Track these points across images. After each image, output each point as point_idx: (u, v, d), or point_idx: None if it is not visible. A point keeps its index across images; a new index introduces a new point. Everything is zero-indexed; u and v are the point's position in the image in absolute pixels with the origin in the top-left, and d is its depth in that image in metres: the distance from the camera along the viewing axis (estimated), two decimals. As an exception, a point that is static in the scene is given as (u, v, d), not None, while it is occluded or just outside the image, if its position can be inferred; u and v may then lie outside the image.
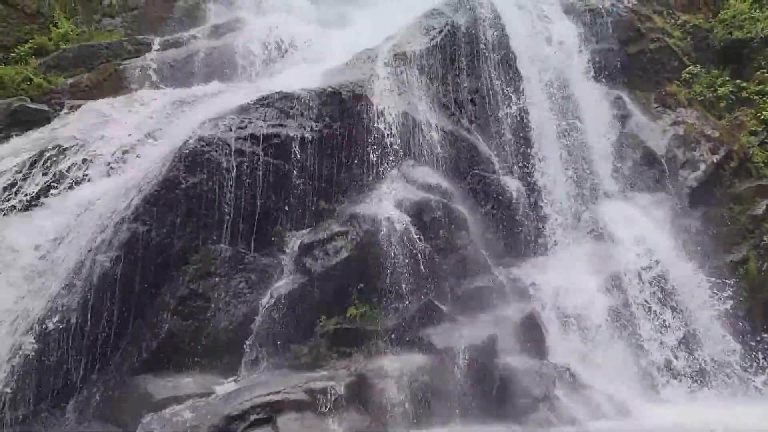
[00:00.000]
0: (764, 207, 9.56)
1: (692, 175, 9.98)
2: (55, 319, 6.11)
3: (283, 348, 6.61)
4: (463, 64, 9.53)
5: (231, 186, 7.15)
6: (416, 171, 8.13)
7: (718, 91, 11.02)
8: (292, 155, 7.63)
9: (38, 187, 7.13)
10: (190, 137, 7.20)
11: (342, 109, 8.09)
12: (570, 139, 9.91)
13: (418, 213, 7.52)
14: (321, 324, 6.70)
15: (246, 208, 7.24)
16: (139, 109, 8.50)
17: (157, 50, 10.24)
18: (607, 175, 9.94)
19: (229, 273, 6.86)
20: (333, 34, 11.07)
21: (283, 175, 7.55)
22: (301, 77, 8.86)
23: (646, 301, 8.41)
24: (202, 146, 7.12)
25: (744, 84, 11.00)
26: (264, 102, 7.75)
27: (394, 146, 8.17)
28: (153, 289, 6.65)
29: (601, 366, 7.62)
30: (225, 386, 6.19)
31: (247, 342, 6.59)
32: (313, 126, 7.85)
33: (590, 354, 7.74)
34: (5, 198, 6.97)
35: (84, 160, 7.49)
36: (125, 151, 7.75)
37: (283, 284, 6.89)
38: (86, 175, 7.37)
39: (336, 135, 7.99)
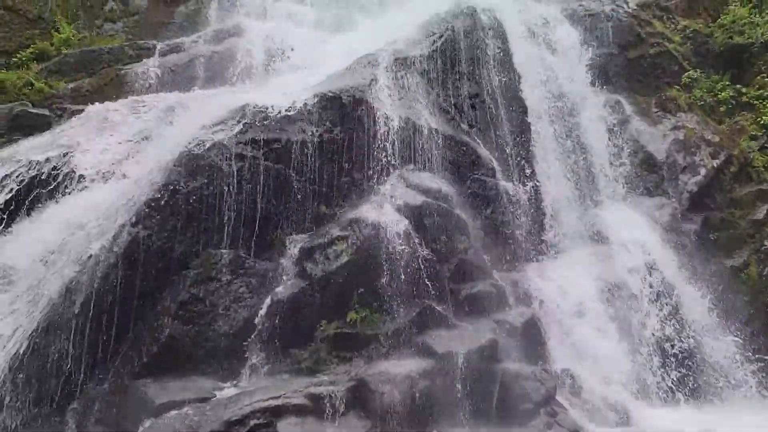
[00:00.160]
0: (765, 211, 9.57)
1: (692, 179, 9.99)
2: (54, 323, 6.11)
3: (283, 352, 6.60)
4: (464, 68, 9.55)
5: (232, 190, 7.15)
6: (417, 175, 8.13)
7: (719, 96, 11.05)
8: (293, 160, 7.64)
9: (39, 192, 7.15)
10: (190, 142, 7.22)
11: (342, 113, 8.11)
12: (570, 144, 9.93)
13: (419, 217, 7.52)
14: (321, 328, 6.69)
15: (246, 213, 7.24)
16: (140, 113, 8.52)
17: (159, 55, 10.26)
18: (608, 179, 9.95)
19: (229, 277, 6.85)
20: (334, 39, 11.10)
21: (283, 180, 7.56)
22: (301, 81, 8.89)
23: (646, 306, 8.40)
24: (203, 151, 7.14)
25: (744, 89, 11.03)
26: (264, 110, 7.76)
27: (395, 151, 8.17)
28: (153, 294, 6.64)
29: (602, 371, 7.61)
30: (225, 391, 6.17)
31: (248, 346, 6.58)
32: (314, 130, 7.87)
33: (592, 359, 7.73)
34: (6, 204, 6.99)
35: (84, 165, 7.51)
36: (125, 156, 7.77)
37: (284, 289, 6.89)
38: (86, 180, 7.39)
39: (336, 139, 8.01)
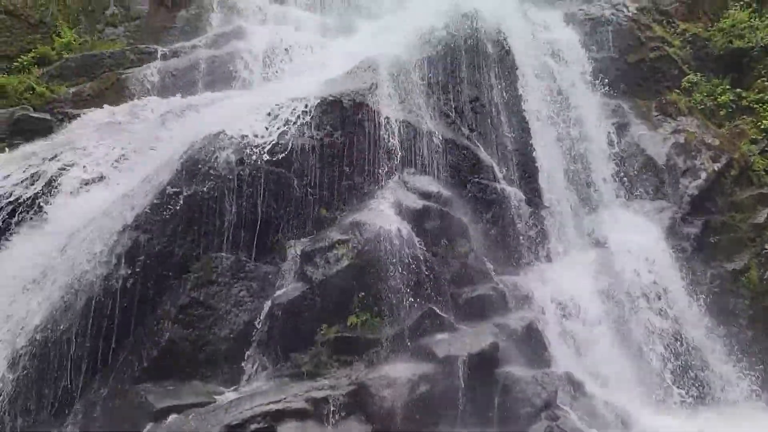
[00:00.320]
0: (765, 215, 9.55)
1: (693, 183, 9.99)
2: (55, 328, 6.11)
3: (283, 356, 6.59)
4: (464, 73, 9.56)
5: (232, 194, 7.16)
6: (417, 179, 8.14)
7: (719, 100, 11.06)
8: (294, 163, 7.65)
9: (40, 196, 7.16)
10: (191, 145, 7.23)
11: (343, 117, 8.12)
12: (570, 147, 9.94)
13: (419, 221, 7.52)
14: (322, 332, 6.68)
15: (247, 217, 7.24)
16: (141, 117, 8.54)
17: (160, 59, 10.28)
18: (608, 183, 9.96)
19: (230, 281, 6.86)
20: (335, 43, 11.12)
21: (284, 184, 7.57)
22: (302, 86, 8.90)
23: (647, 310, 8.39)
24: (204, 155, 7.14)
25: (744, 92, 11.03)
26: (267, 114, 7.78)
27: (395, 154, 8.19)
28: (154, 298, 6.64)
29: (603, 375, 7.59)
30: (226, 395, 6.17)
31: (248, 350, 6.58)
32: (315, 134, 7.88)
33: (592, 363, 7.71)
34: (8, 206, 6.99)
35: (86, 168, 7.53)
36: (127, 159, 7.79)
37: (284, 292, 6.88)
38: (87, 184, 7.40)
39: (337, 143, 8.02)
